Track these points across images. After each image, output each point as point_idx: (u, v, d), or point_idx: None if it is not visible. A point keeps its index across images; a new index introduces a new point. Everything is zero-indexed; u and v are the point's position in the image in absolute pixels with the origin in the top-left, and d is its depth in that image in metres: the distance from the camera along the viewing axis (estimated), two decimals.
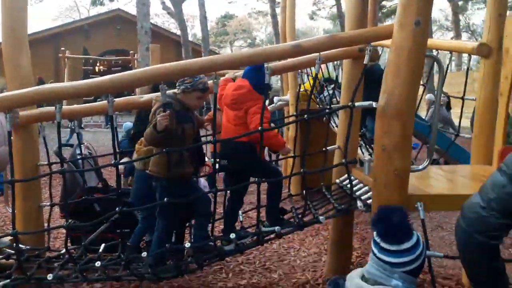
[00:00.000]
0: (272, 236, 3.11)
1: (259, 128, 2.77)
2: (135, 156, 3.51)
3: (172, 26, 33.35)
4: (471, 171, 3.25)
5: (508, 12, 3.25)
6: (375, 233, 1.69)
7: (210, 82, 2.84)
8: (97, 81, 2.69)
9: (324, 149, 3.34)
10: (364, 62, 2.59)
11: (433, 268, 2.40)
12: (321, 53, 2.99)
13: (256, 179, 2.93)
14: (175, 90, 3.07)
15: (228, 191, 3.24)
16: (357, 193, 2.95)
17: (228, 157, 3.08)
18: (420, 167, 2.65)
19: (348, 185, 3.00)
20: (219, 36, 41.16)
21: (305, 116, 2.78)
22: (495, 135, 3.16)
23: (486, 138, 3.27)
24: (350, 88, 3.02)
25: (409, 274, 1.64)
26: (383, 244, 1.66)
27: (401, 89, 2.31)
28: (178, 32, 18.97)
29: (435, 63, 3.08)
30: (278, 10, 15.08)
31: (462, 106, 3.57)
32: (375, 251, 1.69)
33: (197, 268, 3.32)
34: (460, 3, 24.01)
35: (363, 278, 1.72)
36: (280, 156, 4.91)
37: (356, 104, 2.67)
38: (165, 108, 2.80)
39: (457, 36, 16.83)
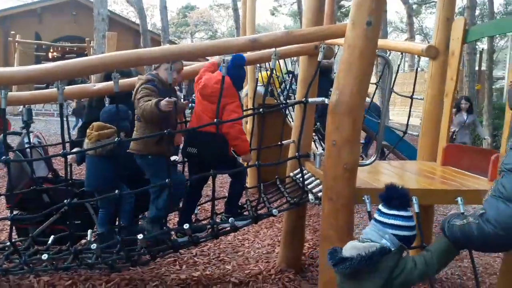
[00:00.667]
0: (227, 228, 3.13)
1: (233, 128, 2.82)
2: (86, 141, 3.42)
3: (131, 14, 32.44)
4: (417, 167, 3.42)
5: (455, 17, 3.44)
6: (380, 205, 2.02)
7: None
8: (47, 67, 2.59)
9: (279, 143, 3.41)
10: (318, 60, 2.66)
11: None
12: (279, 49, 3.05)
13: (211, 171, 2.94)
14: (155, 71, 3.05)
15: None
16: (309, 186, 3.03)
17: (200, 148, 3.04)
18: (368, 161, 2.76)
19: (301, 179, 3.08)
20: (180, 26, 40.50)
21: (261, 110, 2.81)
22: (440, 134, 3.35)
23: (432, 136, 3.45)
24: (305, 84, 3.09)
25: (398, 240, 1.93)
26: (383, 209, 1.98)
27: (352, 86, 2.40)
28: (137, 21, 18.48)
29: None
30: (239, 4, 15.03)
31: (411, 105, 3.73)
32: (376, 215, 2.01)
33: (150, 260, 3.31)
34: (414, 6, 25.01)
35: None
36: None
37: (310, 100, 2.74)
38: (145, 86, 2.85)
39: (411, 37, 17.51)
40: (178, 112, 3.10)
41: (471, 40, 3.17)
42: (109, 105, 3.56)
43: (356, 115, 2.44)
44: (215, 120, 2.87)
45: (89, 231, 3.24)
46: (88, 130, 3.41)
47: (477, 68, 14.47)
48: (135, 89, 2.96)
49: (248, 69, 6.42)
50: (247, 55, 3.70)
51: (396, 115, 17.32)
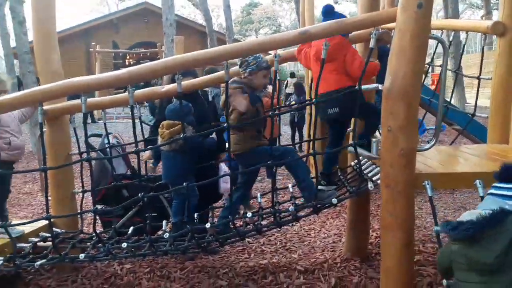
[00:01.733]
0: (289, 218, 3.20)
1: (362, 65, 2.84)
2: (159, 139, 3.71)
3: (198, 16, 33.61)
4: (486, 150, 3.25)
5: None
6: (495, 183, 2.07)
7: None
8: (117, 74, 2.88)
9: None
10: (370, 46, 2.64)
11: (442, 242, 2.46)
12: None
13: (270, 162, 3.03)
14: (238, 76, 3.22)
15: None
16: (370, 174, 3.02)
17: (340, 106, 3.10)
18: (426, 146, 2.69)
19: (362, 167, 3.08)
20: (245, 24, 41.12)
21: (313, 100, 2.86)
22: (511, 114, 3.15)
23: (502, 117, 3.26)
24: None
25: None
26: (499, 184, 2.03)
27: (405, 70, 2.36)
28: (204, 23, 19.14)
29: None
30: None
31: (478, 86, 3.54)
32: (492, 190, 2.05)
33: (219, 247, 3.52)
34: None
35: None
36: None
37: (363, 87, 2.73)
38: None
39: (488, 14, 16.11)
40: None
41: None
42: (172, 104, 3.83)
43: (411, 99, 2.39)
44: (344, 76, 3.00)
45: (164, 222, 3.53)
46: (159, 130, 3.71)
47: None
48: (224, 96, 3.10)
49: None
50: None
51: (474, 98, 16.13)
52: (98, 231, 3.37)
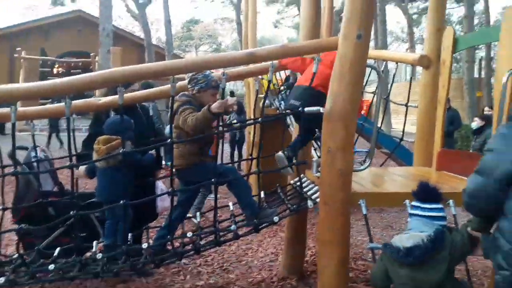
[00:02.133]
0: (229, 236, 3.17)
1: None
2: (95, 156, 3.51)
3: (136, 28, 32.89)
4: (412, 172, 3.50)
5: (446, 27, 3.54)
6: (414, 202, 2.20)
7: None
8: (50, 83, 2.71)
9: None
10: (313, 71, 2.76)
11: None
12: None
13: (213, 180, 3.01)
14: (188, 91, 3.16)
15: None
16: (309, 192, 3.11)
17: (303, 101, 3.01)
18: (362, 167, 2.84)
19: (300, 185, 3.16)
20: (185, 40, 41.00)
21: (259, 119, 2.91)
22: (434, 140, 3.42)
23: (426, 143, 3.54)
24: None
25: None
26: (422, 205, 2.14)
27: (344, 95, 2.50)
28: (142, 35, 18.78)
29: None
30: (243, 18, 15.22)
31: (406, 113, 3.83)
32: (418, 212, 2.15)
33: (154, 268, 3.38)
34: (414, 16, 25.21)
35: None
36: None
37: (306, 109, 2.83)
38: (188, 106, 2.97)
39: (411, 47, 17.70)
40: (227, 112, 3.17)
41: (460, 49, 3.28)
42: (112, 117, 3.67)
43: (349, 122, 2.53)
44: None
45: (95, 242, 3.31)
46: (95, 146, 3.51)
47: (477, 75, 14.50)
48: (174, 110, 3.03)
49: (251, 81, 6.56)
50: (248, 68, 3.81)
51: (400, 124, 17.32)
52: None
